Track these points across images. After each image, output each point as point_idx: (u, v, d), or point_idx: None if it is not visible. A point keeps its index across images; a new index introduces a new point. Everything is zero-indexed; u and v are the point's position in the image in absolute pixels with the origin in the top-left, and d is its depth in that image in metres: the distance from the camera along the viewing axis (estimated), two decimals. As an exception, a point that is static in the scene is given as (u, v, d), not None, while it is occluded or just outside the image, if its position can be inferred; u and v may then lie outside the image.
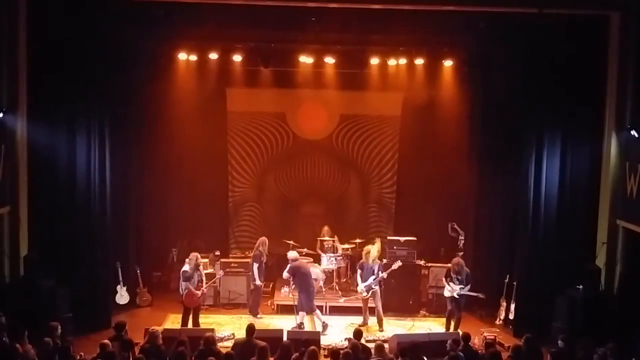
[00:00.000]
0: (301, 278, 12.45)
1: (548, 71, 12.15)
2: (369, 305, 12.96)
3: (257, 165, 16.13)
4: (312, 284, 12.61)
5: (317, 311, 12.51)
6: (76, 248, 12.23)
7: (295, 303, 12.56)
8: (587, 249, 12.45)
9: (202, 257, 14.16)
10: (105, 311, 12.60)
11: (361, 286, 12.80)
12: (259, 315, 13.21)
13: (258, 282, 13.17)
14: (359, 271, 12.95)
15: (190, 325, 12.23)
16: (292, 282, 12.77)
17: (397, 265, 12.87)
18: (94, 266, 12.43)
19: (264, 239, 13.43)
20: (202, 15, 12.30)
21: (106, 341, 9.36)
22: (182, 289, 12.26)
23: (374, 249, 13.05)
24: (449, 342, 9.68)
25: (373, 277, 12.66)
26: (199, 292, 12.31)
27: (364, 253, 13.04)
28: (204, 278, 12.56)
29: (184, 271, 12.23)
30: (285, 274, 12.64)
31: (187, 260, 12.37)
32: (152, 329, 9.88)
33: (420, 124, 15.33)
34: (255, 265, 13.13)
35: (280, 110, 15.97)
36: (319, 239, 14.72)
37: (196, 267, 12.32)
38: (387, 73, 14.27)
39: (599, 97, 12.30)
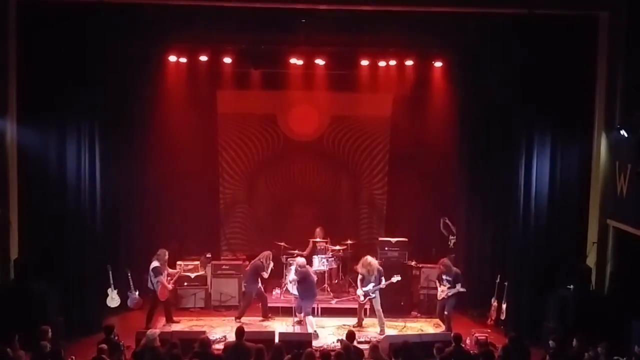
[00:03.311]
0: (308, 285, 12.56)
1: (538, 71, 12.17)
2: (366, 307, 12.97)
3: (248, 167, 16.10)
4: (316, 293, 12.87)
5: (312, 318, 12.52)
6: (67, 251, 12.20)
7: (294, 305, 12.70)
8: (578, 248, 12.48)
9: (193, 260, 14.28)
10: (96, 315, 12.57)
11: (359, 291, 12.81)
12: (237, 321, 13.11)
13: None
14: (360, 276, 12.92)
15: (164, 320, 12.90)
16: (294, 287, 12.75)
17: (395, 279, 12.77)
18: (84, 269, 12.41)
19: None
20: (192, 17, 12.31)
21: (103, 345, 9.33)
22: (154, 285, 12.69)
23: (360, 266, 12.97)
24: (436, 344, 9.71)
25: (372, 284, 12.63)
26: (170, 286, 12.92)
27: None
28: (169, 271, 13.10)
29: (155, 267, 12.68)
30: (292, 277, 12.73)
31: (156, 257, 12.80)
32: (150, 331, 9.88)
33: (410, 125, 15.33)
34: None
35: (270, 112, 15.95)
36: (311, 240, 14.70)
37: (165, 263, 12.84)
38: (377, 74, 14.28)
39: (588, 97, 12.33)
